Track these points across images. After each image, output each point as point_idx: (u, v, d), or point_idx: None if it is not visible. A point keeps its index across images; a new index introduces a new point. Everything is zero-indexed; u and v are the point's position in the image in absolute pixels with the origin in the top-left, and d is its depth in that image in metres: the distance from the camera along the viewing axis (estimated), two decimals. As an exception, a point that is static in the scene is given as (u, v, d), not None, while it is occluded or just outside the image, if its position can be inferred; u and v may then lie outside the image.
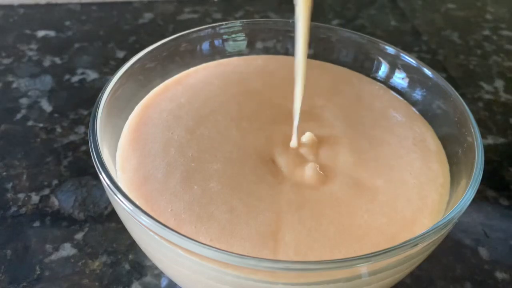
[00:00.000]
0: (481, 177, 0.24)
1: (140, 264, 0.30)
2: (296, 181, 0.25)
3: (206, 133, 0.27)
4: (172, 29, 0.52)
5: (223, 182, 0.25)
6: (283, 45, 0.35)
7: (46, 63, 0.46)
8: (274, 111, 0.30)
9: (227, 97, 0.30)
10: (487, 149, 0.39)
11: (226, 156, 0.26)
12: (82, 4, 0.55)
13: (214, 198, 0.24)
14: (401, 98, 0.32)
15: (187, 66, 0.32)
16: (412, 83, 0.31)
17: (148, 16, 0.54)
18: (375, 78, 0.33)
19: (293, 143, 0.27)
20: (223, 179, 0.25)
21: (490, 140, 0.41)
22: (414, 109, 0.31)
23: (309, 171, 0.25)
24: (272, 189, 0.24)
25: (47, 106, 0.41)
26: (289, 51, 0.34)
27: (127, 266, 0.30)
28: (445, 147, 0.28)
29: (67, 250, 0.30)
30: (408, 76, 0.31)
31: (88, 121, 0.28)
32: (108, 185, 0.22)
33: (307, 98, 0.30)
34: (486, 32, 0.55)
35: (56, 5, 0.54)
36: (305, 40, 0.25)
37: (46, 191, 0.34)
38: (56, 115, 0.40)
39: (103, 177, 0.22)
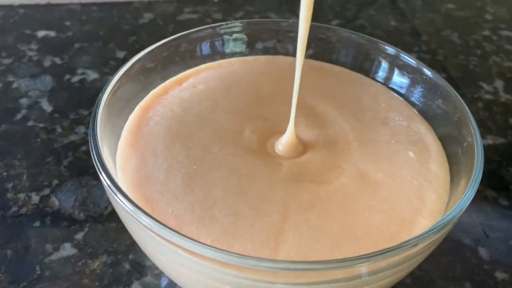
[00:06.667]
0: (480, 177, 0.24)
1: (140, 264, 0.30)
2: (308, 180, 0.25)
3: (209, 135, 0.27)
4: (172, 29, 0.52)
5: (228, 188, 0.24)
6: (283, 45, 0.35)
7: (46, 63, 0.46)
8: (277, 112, 0.30)
9: (228, 98, 0.30)
10: (486, 149, 0.39)
11: (232, 160, 0.26)
12: (82, 4, 0.55)
13: (217, 202, 0.24)
14: (401, 98, 0.32)
15: (187, 66, 0.32)
16: (412, 83, 0.31)
17: (148, 16, 0.54)
18: (375, 78, 0.33)
19: (287, 136, 0.27)
20: (228, 186, 0.24)
21: (489, 140, 0.41)
22: (414, 109, 0.31)
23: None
24: (287, 194, 0.24)
25: (47, 106, 0.41)
26: (289, 52, 0.34)
27: (127, 266, 0.30)
28: (445, 147, 0.28)
29: (67, 250, 0.30)
30: (408, 76, 0.31)
31: (88, 121, 0.28)
32: (108, 185, 0.22)
33: (306, 98, 0.30)
34: (486, 32, 0.55)
35: (56, 5, 0.54)
36: (303, 39, 0.25)
37: (46, 191, 0.34)
38: (56, 115, 0.40)
39: (103, 177, 0.22)
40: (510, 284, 0.30)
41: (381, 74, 0.33)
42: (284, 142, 0.27)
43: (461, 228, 0.33)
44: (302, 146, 0.27)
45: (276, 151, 0.27)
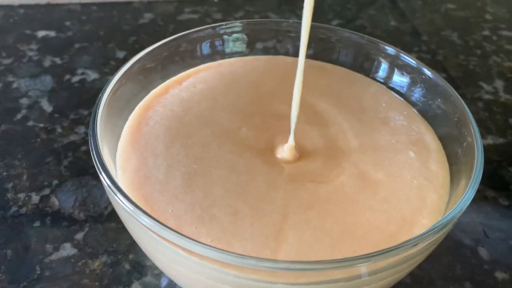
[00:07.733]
0: (480, 177, 0.24)
1: (140, 264, 0.30)
2: (307, 179, 0.25)
3: (209, 134, 0.27)
4: (172, 29, 0.52)
5: (227, 187, 0.24)
6: (283, 45, 0.35)
7: (47, 63, 0.46)
8: (276, 112, 0.30)
9: (228, 98, 0.30)
10: (486, 149, 0.39)
11: (231, 158, 0.26)
12: (82, 4, 0.55)
13: (217, 201, 0.24)
14: (401, 98, 0.32)
15: (187, 66, 0.32)
16: (412, 83, 0.31)
17: (148, 16, 0.54)
18: (375, 79, 0.33)
19: (290, 143, 0.27)
20: (228, 185, 0.24)
21: (489, 140, 0.41)
22: (414, 109, 0.31)
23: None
24: (287, 193, 0.24)
25: (47, 106, 0.41)
26: (289, 52, 0.34)
27: (127, 266, 0.30)
28: (445, 147, 0.28)
29: (67, 250, 0.30)
30: (408, 76, 0.31)
31: (88, 121, 0.28)
32: (108, 185, 0.22)
33: (307, 98, 0.30)
34: (486, 32, 0.55)
35: (56, 5, 0.54)
36: (305, 37, 0.25)
37: (47, 191, 0.34)
38: (56, 115, 0.40)
39: (103, 177, 0.22)
40: (510, 284, 0.30)
41: (381, 74, 0.33)
42: (285, 145, 0.27)
43: (461, 228, 0.33)
44: (302, 146, 0.27)
45: (276, 150, 0.27)
